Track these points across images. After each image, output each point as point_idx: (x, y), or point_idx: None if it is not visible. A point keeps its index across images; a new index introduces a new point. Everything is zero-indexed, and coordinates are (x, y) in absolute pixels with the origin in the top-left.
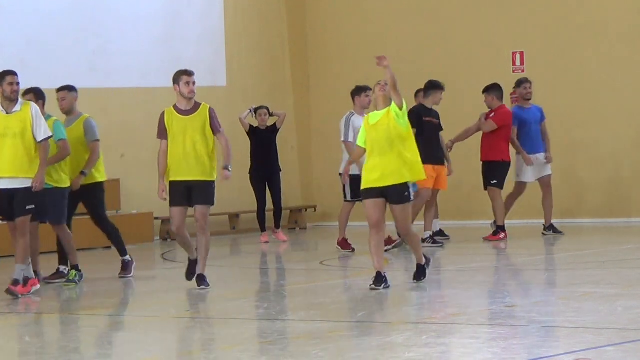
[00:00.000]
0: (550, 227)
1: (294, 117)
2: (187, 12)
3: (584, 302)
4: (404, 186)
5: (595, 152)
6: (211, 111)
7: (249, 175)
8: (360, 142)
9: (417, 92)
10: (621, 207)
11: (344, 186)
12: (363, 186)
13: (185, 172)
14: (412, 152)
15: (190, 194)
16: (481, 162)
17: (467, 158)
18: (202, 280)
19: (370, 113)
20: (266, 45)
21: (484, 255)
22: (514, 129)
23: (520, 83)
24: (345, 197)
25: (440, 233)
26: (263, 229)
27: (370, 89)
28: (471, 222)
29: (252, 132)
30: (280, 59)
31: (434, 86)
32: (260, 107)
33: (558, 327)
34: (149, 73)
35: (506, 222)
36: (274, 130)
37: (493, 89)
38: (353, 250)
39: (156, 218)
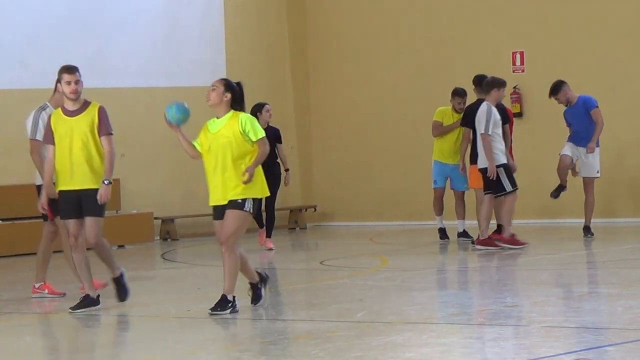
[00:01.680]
0: (586, 229)
1: (294, 117)
2: (187, 12)
3: (584, 302)
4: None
5: None
6: (101, 111)
7: None
8: (196, 144)
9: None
10: (620, 208)
11: (498, 180)
12: (210, 204)
13: (73, 180)
14: (258, 168)
15: (80, 204)
16: None
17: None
18: (85, 302)
19: (210, 120)
20: (266, 45)
21: (484, 255)
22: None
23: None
24: (504, 190)
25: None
26: (261, 225)
27: (505, 84)
28: (471, 222)
29: None
30: (280, 59)
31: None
32: (266, 103)
33: (558, 327)
34: (149, 73)
35: None
36: (274, 134)
37: None
38: (526, 244)
39: (156, 218)
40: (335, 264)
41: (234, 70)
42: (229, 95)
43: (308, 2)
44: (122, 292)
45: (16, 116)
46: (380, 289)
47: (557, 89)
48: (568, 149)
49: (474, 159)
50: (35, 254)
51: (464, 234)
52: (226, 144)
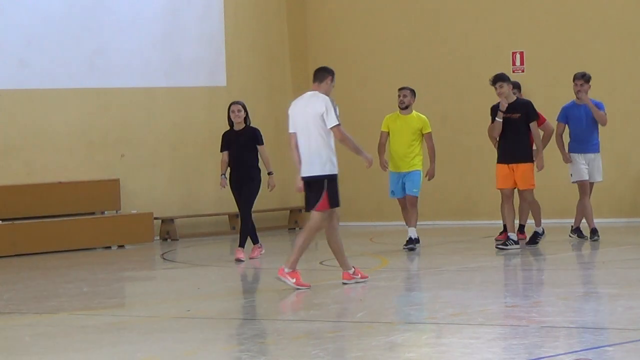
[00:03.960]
0: (575, 230)
1: None
2: (187, 12)
3: (584, 302)
4: None
5: None
6: None
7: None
8: None
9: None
10: (620, 208)
11: None
12: None
13: None
14: None
15: None
16: None
17: (467, 158)
18: None
19: None
20: (266, 45)
21: (484, 255)
22: (561, 125)
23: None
24: None
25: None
26: (255, 240)
27: None
28: (471, 222)
29: (227, 136)
30: (280, 59)
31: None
32: (234, 103)
33: (558, 327)
34: (149, 73)
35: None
36: (251, 136)
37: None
38: None
39: (156, 218)
40: (335, 264)
41: (234, 70)
42: None
43: (308, 2)
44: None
45: (16, 116)
46: (380, 289)
47: (589, 78)
48: (584, 169)
49: (503, 157)
50: (29, 253)
51: (412, 242)
52: None
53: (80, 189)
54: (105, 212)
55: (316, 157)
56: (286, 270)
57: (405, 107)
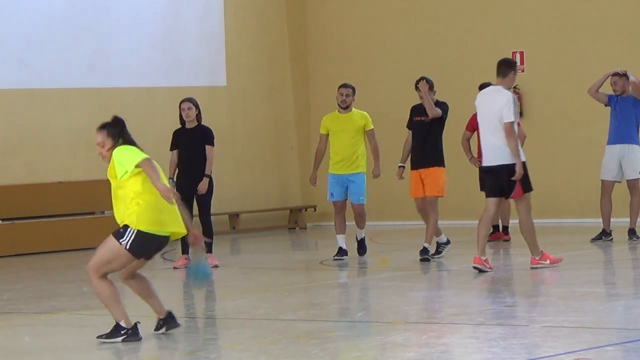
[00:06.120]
0: (630, 232)
1: (294, 117)
2: (187, 12)
3: (584, 302)
4: None
5: (595, 152)
6: None
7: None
8: None
9: None
10: (620, 207)
11: None
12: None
13: None
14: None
15: None
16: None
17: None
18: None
19: None
20: (266, 45)
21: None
22: (604, 96)
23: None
24: None
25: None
26: (184, 249)
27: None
28: (471, 222)
29: (178, 134)
30: (280, 59)
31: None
32: (185, 100)
33: (558, 327)
34: (149, 73)
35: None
36: (202, 135)
37: None
38: None
39: None
40: (335, 264)
41: (234, 70)
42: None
43: (308, 2)
44: None
45: (16, 116)
46: (380, 289)
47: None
48: (612, 168)
49: (417, 163)
50: (32, 253)
51: (343, 253)
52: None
53: (80, 189)
54: (105, 212)
55: (503, 147)
56: (537, 258)
57: (346, 107)
